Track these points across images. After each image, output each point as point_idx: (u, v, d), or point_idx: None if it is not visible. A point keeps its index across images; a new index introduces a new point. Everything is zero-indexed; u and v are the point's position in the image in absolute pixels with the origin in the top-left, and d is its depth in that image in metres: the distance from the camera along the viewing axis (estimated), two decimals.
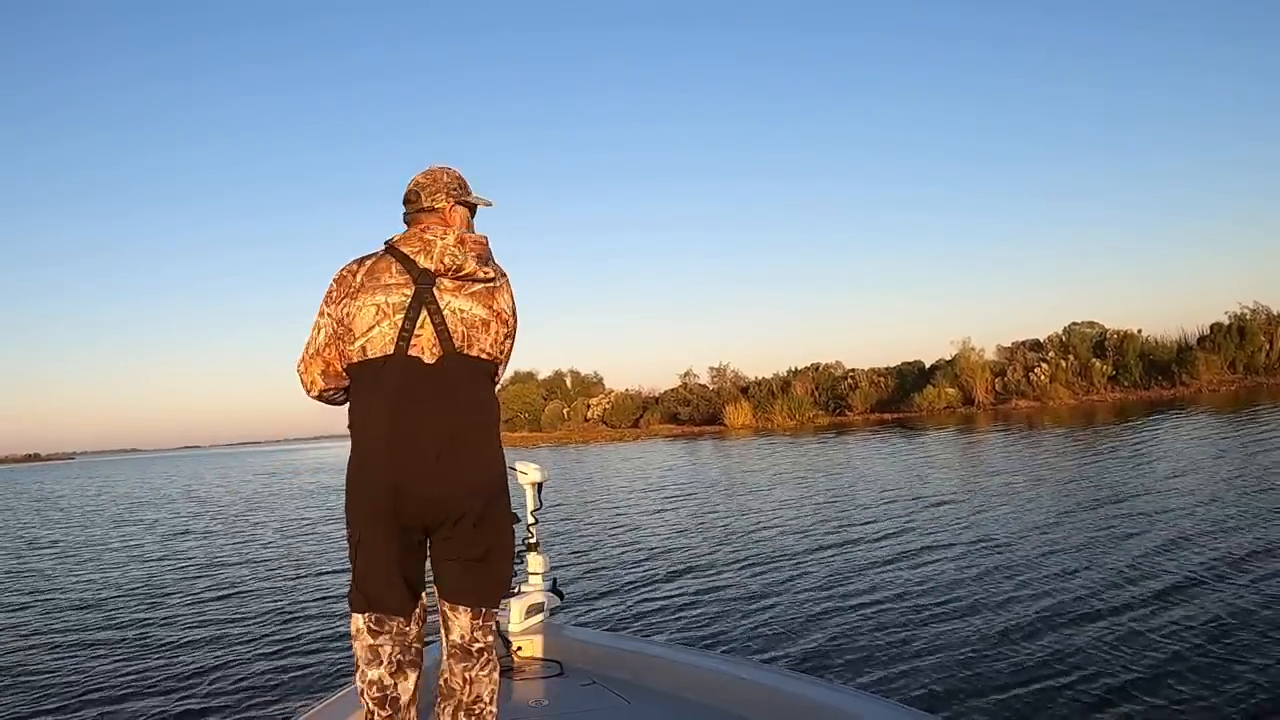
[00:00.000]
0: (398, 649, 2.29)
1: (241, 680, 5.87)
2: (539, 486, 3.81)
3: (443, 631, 2.38)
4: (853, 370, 49.00)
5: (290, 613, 7.87)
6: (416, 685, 2.35)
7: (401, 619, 2.29)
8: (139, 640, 7.30)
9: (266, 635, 7.11)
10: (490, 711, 2.35)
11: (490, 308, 2.32)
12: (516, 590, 3.67)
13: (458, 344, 2.25)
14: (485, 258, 2.33)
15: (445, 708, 2.35)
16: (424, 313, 2.23)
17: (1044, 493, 11.63)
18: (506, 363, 2.49)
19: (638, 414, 54.50)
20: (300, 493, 24.97)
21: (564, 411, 58.67)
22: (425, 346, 2.23)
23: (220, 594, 9.21)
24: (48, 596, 9.89)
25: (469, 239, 2.32)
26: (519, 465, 3.80)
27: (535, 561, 3.75)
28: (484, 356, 2.31)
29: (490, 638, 2.37)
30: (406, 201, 2.42)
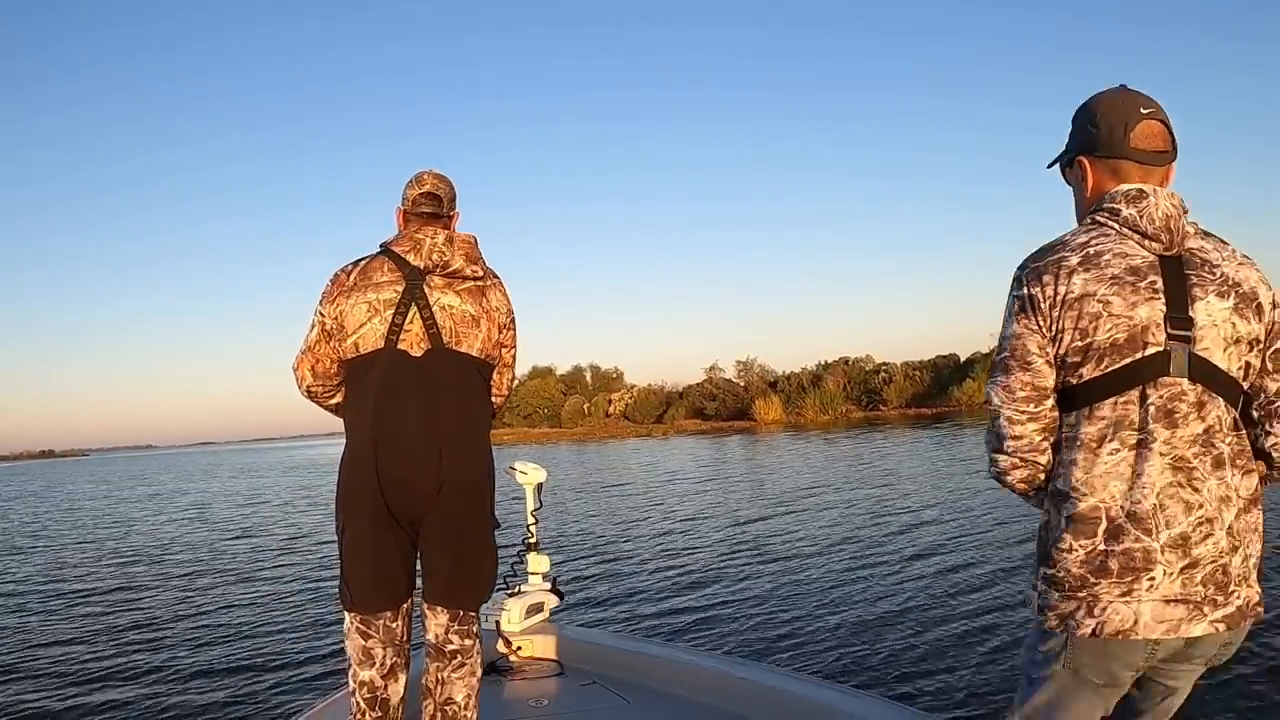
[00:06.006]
0: (390, 651, 2.42)
1: (242, 676, 6.06)
2: (539, 487, 3.95)
3: (424, 630, 2.50)
4: (885, 364, 48.80)
5: (291, 606, 8.07)
6: (406, 685, 2.48)
7: (388, 615, 2.41)
8: (137, 636, 7.51)
9: (269, 630, 7.31)
10: (465, 715, 2.46)
11: (480, 305, 2.44)
12: (516, 590, 3.81)
13: (446, 339, 2.38)
14: (473, 256, 2.46)
15: (426, 707, 2.48)
16: (413, 308, 2.37)
17: None
18: (510, 366, 2.61)
19: (661, 409, 54.59)
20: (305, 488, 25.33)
21: (584, 407, 58.86)
22: (414, 341, 2.36)
23: (225, 589, 9.43)
24: (48, 591, 10.16)
25: (458, 237, 2.45)
26: (519, 465, 3.94)
27: (535, 561, 3.88)
28: (473, 354, 2.42)
29: (467, 641, 2.47)
30: (413, 201, 2.50)
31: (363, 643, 2.41)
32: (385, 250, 2.44)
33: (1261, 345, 1.59)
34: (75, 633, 7.97)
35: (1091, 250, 1.57)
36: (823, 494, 14.26)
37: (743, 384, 51.95)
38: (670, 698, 3.23)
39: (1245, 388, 1.59)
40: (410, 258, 2.39)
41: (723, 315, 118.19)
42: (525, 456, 4.09)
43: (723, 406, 50.18)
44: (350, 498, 2.38)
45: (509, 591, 3.78)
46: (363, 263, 2.44)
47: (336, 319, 2.39)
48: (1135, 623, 1.50)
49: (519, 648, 3.65)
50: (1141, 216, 1.57)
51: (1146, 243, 1.57)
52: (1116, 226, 1.59)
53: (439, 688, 2.45)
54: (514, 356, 2.60)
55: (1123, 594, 1.50)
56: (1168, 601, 1.49)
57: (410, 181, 2.53)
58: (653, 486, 18.42)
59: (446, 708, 2.45)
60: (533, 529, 3.88)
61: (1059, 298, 1.56)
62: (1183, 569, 1.50)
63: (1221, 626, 1.51)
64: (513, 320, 2.55)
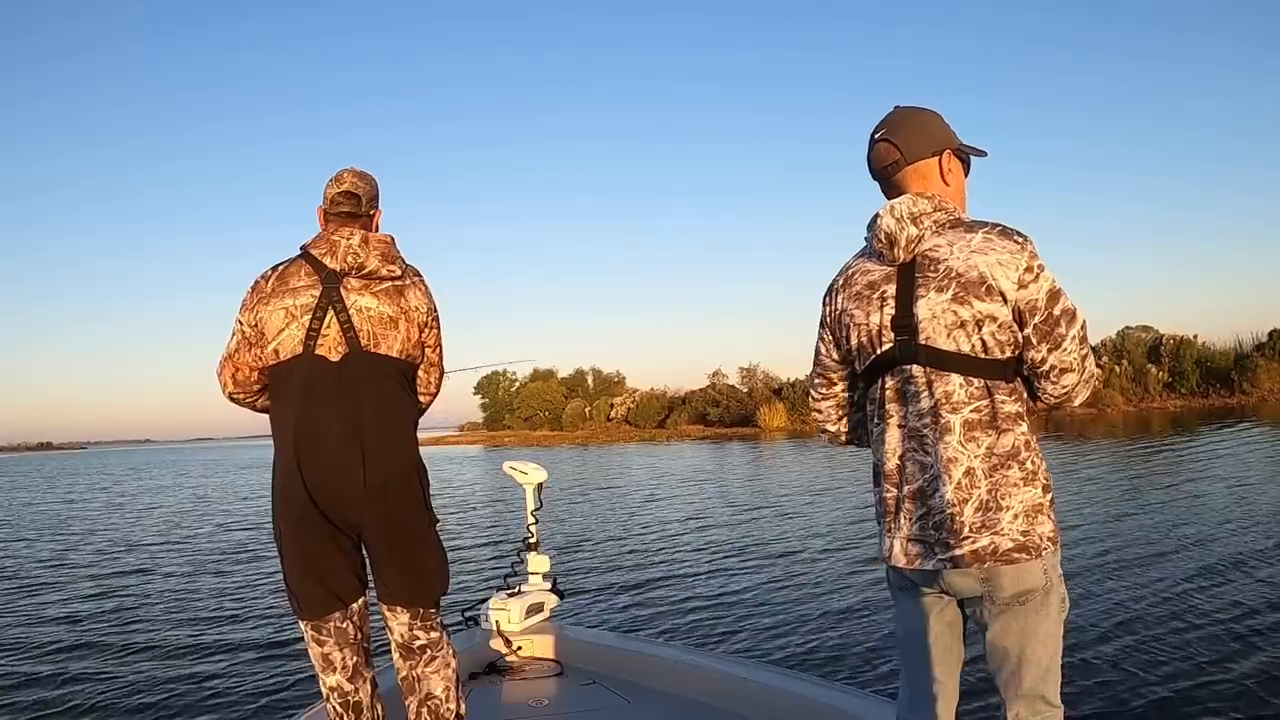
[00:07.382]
0: (348, 651, 2.44)
1: (233, 676, 6.08)
2: (539, 487, 3.98)
3: (388, 632, 2.52)
4: None
5: (282, 605, 8.06)
6: (375, 683, 2.52)
7: (337, 617, 2.43)
8: (123, 631, 7.52)
9: (261, 628, 7.33)
10: (448, 708, 2.50)
11: (398, 305, 2.45)
12: (517, 590, 3.84)
13: (364, 342, 2.39)
14: (390, 256, 2.46)
15: (410, 704, 2.51)
16: (330, 312, 2.38)
17: (1105, 515, 11.57)
18: (437, 365, 2.62)
19: (663, 414, 54.59)
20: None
21: (586, 411, 58.92)
22: (331, 346, 2.37)
23: (217, 587, 9.45)
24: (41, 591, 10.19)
25: (373, 238, 2.46)
26: (518, 465, 3.97)
27: (535, 561, 3.91)
28: (393, 355, 2.43)
29: (434, 634, 2.50)
30: (332, 200, 2.51)
31: (320, 649, 2.43)
32: (304, 253, 2.45)
33: (1004, 321, 1.78)
34: (62, 628, 7.97)
35: (850, 273, 1.99)
36: (823, 499, 14.27)
37: (746, 390, 51.92)
38: (670, 698, 3.25)
39: (1008, 357, 1.81)
40: (327, 260, 2.40)
41: (727, 320, 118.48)
42: (525, 459, 4.11)
43: (726, 413, 50.12)
44: (281, 506, 2.40)
45: (509, 591, 3.82)
46: (281, 268, 2.45)
47: (255, 326, 2.41)
48: (890, 552, 1.90)
49: (519, 648, 3.68)
50: (873, 238, 1.92)
51: (881, 258, 1.91)
52: (867, 249, 1.97)
53: (417, 684, 2.49)
54: (440, 355, 2.61)
55: (886, 530, 1.91)
56: (908, 540, 1.86)
57: (330, 180, 2.53)
58: (654, 490, 18.44)
59: (429, 702, 2.48)
60: (533, 529, 3.92)
61: (832, 314, 2.02)
62: (920, 516, 1.84)
63: (948, 565, 1.80)
64: (435, 318, 2.56)
